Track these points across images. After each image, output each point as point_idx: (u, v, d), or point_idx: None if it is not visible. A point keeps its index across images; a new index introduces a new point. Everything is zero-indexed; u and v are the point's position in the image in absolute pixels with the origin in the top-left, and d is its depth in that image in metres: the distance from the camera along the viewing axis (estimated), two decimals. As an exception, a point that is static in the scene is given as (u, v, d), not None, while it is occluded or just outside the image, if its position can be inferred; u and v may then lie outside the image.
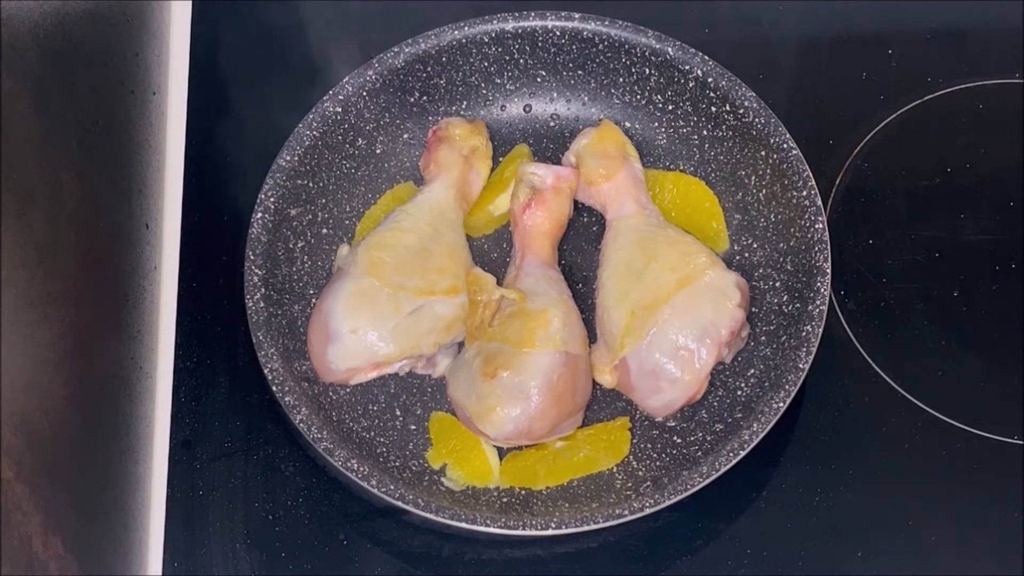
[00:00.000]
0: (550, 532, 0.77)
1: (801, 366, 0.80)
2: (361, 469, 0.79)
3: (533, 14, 0.92)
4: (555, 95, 0.95)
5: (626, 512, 0.77)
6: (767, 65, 0.98)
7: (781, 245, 0.87)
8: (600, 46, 0.93)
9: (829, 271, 0.83)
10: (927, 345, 0.88)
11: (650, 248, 0.85)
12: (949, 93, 0.97)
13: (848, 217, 0.92)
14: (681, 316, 0.81)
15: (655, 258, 0.84)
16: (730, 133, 0.90)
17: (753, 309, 0.86)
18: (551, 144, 0.95)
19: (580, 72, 0.94)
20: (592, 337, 0.86)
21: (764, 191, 0.89)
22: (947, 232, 0.92)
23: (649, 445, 0.84)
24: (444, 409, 0.86)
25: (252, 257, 0.85)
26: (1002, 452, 0.83)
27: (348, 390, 0.86)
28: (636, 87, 0.94)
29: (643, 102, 0.94)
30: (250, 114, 0.98)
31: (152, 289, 0.93)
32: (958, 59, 0.98)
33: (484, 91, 0.95)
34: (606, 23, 0.92)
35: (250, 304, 0.84)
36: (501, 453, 0.84)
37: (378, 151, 0.94)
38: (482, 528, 0.77)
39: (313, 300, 0.88)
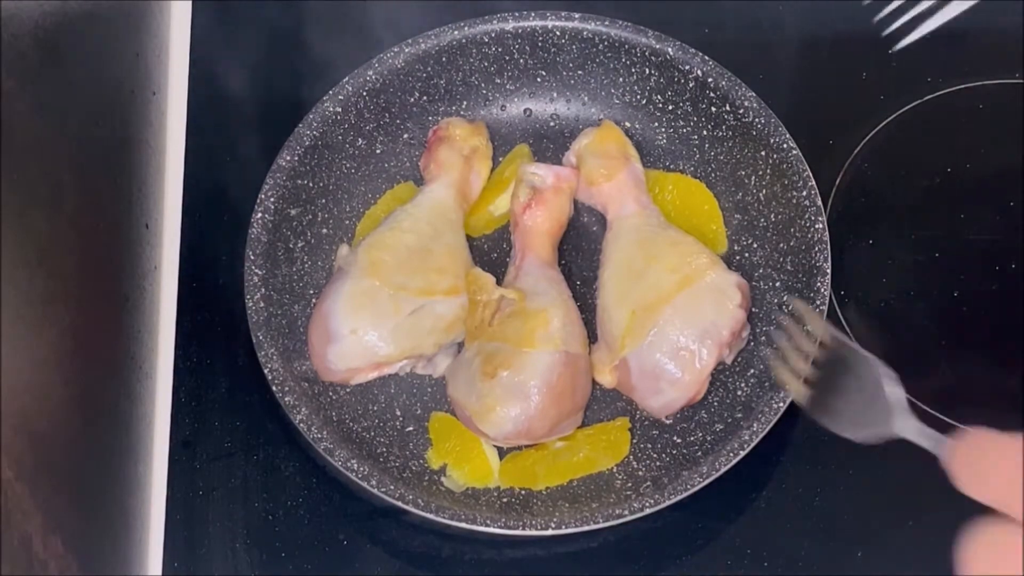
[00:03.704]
0: (550, 532, 0.77)
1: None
2: (361, 469, 0.79)
3: (533, 14, 0.92)
4: (555, 95, 0.95)
5: (626, 512, 0.77)
6: (767, 65, 0.98)
7: (781, 245, 0.87)
8: (600, 46, 0.93)
9: (829, 271, 0.83)
10: (927, 345, 0.88)
11: (651, 248, 0.85)
12: (949, 93, 0.97)
13: (848, 217, 0.92)
14: (682, 316, 0.81)
15: (656, 258, 0.84)
16: (730, 133, 0.90)
17: (753, 309, 0.86)
18: (551, 144, 0.95)
19: (580, 72, 0.94)
20: (592, 337, 0.86)
21: (764, 191, 0.89)
22: (947, 232, 0.92)
23: (649, 445, 0.84)
24: (444, 409, 0.86)
25: (252, 257, 0.86)
26: (1002, 452, 0.83)
27: (348, 390, 0.86)
28: (636, 87, 0.94)
29: (643, 102, 0.94)
30: (250, 114, 0.98)
31: (152, 289, 0.93)
32: (958, 59, 0.98)
33: (484, 91, 0.95)
34: (606, 23, 0.92)
35: (250, 304, 0.84)
36: (501, 453, 0.84)
37: (378, 151, 0.94)
38: (482, 528, 0.77)
39: (313, 300, 0.88)
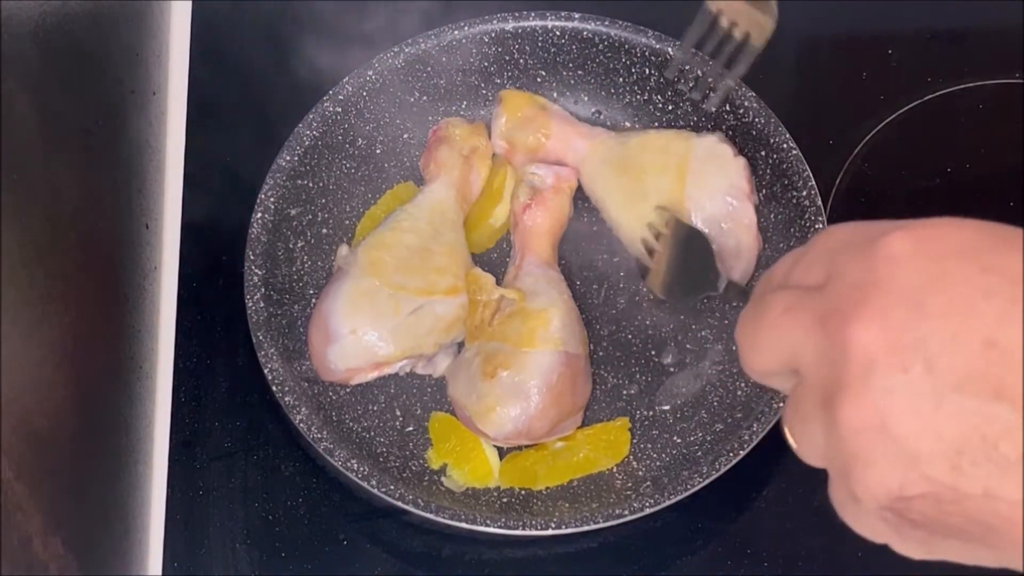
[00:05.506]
0: (550, 532, 0.77)
1: (801, 366, 0.80)
2: (361, 469, 0.79)
3: (533, 14, 0.92)
4: (555, 95, 0.95)
5: (626, 512, 0.77)
6: (767, 65, 0.97)
7: (781, 245, 0.87)
8: (600, 46, 0.93)
9: (829, 271, 0.83)
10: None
11: (630, 164, 0.87)
12: (949, 93, 0.97)
13: (848, 217, 0.91)
14: (703, 200, 0.85)
15: (641, 170, 0.87)
16: (730, 133, 0.90)
17: (753, 309, 0.86)
18: (551, 144, 0.95)
19: (580, 72, 0.94)
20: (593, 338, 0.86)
21: (764, 191, 0.89)
22: (947, 232, 0.92)
23: (649, 445, 0.84)
24: (444, 409, 0.86)
25: (252, 257, 0.85)
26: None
27: (348, 390, 0.86)
28: (636, 87, 0.94)
29: (643, 102, 0.94)
30: (250, 114, 0.98)
31: (152, 289, 0.93)
32: (958, 59, 0.98)
33: (484, 91, 0.95)
34: (606, 23, 0.92)
35: (250, 304, 0.84)
36: (501, 453, 0.84)
37: (378, 151, 0.94)
38: (482, 528, 0.77)
39: (313, 300, 0.88)
